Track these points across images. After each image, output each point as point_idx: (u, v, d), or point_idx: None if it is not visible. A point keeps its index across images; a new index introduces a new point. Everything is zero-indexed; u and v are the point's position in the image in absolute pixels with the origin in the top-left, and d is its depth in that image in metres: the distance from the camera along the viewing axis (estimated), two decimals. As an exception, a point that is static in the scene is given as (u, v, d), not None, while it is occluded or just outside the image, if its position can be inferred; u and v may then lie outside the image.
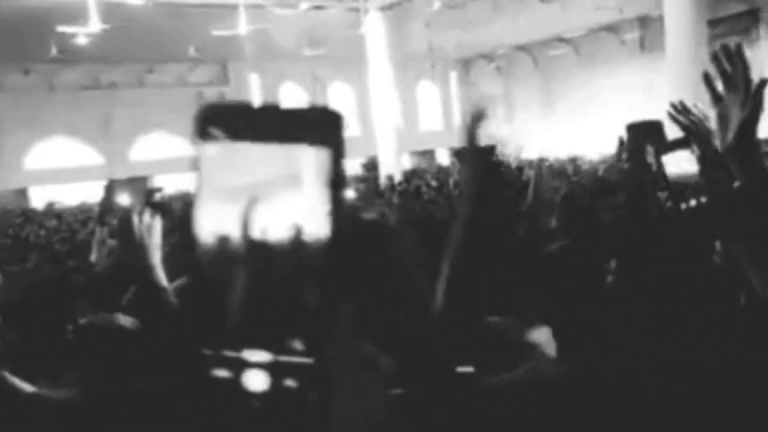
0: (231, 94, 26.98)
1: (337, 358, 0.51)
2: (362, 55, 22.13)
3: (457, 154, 16.74)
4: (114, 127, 24.60)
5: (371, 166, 23.47)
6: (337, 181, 0.53)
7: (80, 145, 24.39)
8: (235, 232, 0.51)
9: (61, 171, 23.67)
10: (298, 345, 0.49)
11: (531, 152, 24.10)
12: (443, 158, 29.72)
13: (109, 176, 23.98)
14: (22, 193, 23.04)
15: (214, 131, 0.55)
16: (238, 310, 0.50)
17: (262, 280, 0.50)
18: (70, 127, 23.78)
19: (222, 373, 0.49)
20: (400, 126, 26.62)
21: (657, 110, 2.96)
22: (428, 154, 31.00)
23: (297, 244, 0.50)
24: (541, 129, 28.70)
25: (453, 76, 33.52)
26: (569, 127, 27.58)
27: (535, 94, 30.97)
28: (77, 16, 17.13)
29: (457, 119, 33.84)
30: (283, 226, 0.50)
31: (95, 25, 17.99)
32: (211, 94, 26.65)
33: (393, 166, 21.18)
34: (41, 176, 23.28)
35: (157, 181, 24.50)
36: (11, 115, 22.81)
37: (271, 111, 0.54)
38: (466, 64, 33.34)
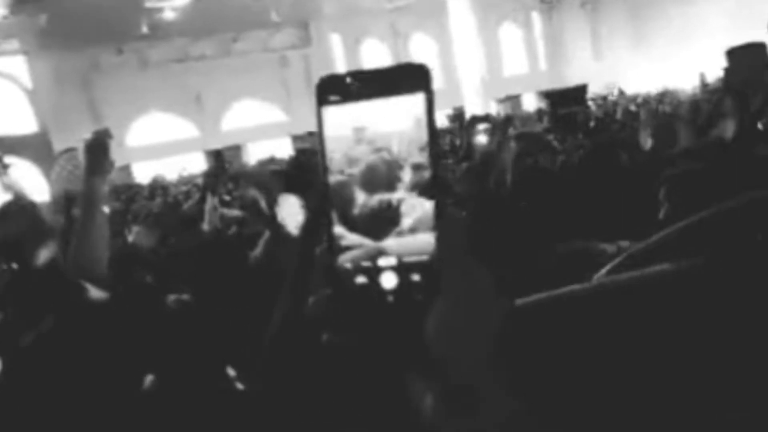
0: (313, 55, 27.18)
1: (448, 258, 0.62)
2: (442, 3, 21.85)
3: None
4: (205, 98, 25.25)
5: (458, 116, 23.24)
6: (432, 118, 0.65)
7: (175, 119, 25.17)
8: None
9: (159, 146, 24.52)
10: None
11: (624, 89, 23.41)
12: (530, 103, 29.11)
13: (204, 147, 24.80)
14: (126, 170, 24.04)
15: (332, 97, 0.67)
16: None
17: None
18: (165, 102, 24.53)
19: (361, 279, 0.63)
20: (483, 73, 26.27)
21: (761, 36, 2.88)
22: (514, 100, 30.47)
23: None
24: (633, 65, 27.61)
25: (536, 16, 32.60)
26: (664, 61, 26.39)
27: (624, 30, 29.72)
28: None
29: (543, 61, 33.03)
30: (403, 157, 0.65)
31: (181, -1, 18.47)
32: (295, 57, 26.94)
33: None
34: (142, 152, 24.19)
35: (250, 148, 25.14)
36: (109, 94, 23.76)
37: (373, 72, 0.67)
38: (548, 3, 32.35)
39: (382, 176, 0.65)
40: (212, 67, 25.11)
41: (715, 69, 12.34)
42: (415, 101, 0.64)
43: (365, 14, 26.34)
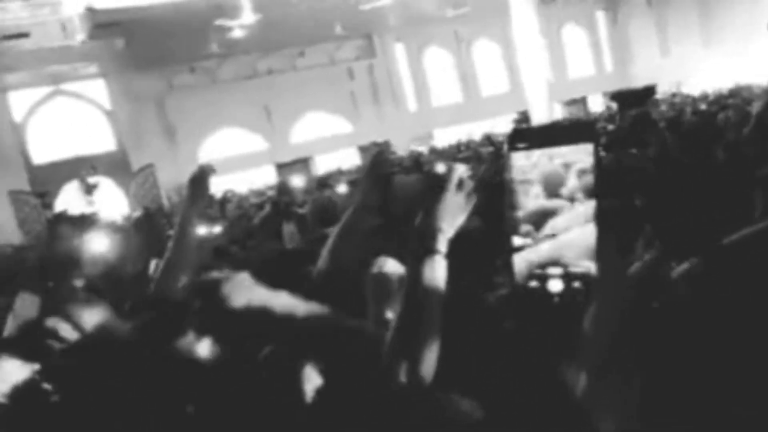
0: (378, 65, 27.50)
1: (605, 272, 0.78)
2: (504, 7, 21.84)
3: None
4: (274, 112, 25.81)
5: (523, 119, 23.12)
6: (599, 159, 0.85)
7: (245, 134, 25.80)
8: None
9: (231, 160, 25.12)
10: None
11: (691, 88, 22.89)
12: (596, 105, 28.72)
13: (273, 160, 25.33)
14: (200, 183, 24.73)
15: (520, 144, 0.84)
16: None
17: None
18: (235, 117, 25.16)
19: (534, 283, 0.82)
20: (548, 76, 26.04)
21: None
22: (579, 102, 30.13)
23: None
24: (701, 62, 26.99)
25: (600, 16, 32.18)
26: (733, 57, 25.63)
27: (692, 26, 29.05)
28: (232, 9, 18.12)
29: (608, 62, 32.55)
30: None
31: (249, 16, 19.01)
32: (360, 69, 27.31)
33: (545, 118, 20.84)
34: (215, 166, 24.83)
35: (318, 160, 25.54)
36: (183, 112, 24.56)
37: (555, 126, 0.91)
38: (613, 2, 31.89)
39: (556, 182, 0.85)
40: (280, 82, 25.68)
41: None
42: (586, 149, 0.83)
43: (428, 23, 26.53)
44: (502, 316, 1.30)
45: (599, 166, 0.81)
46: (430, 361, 1.24)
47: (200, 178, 2.46)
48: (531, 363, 1.12)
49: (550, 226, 0.83)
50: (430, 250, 1.32)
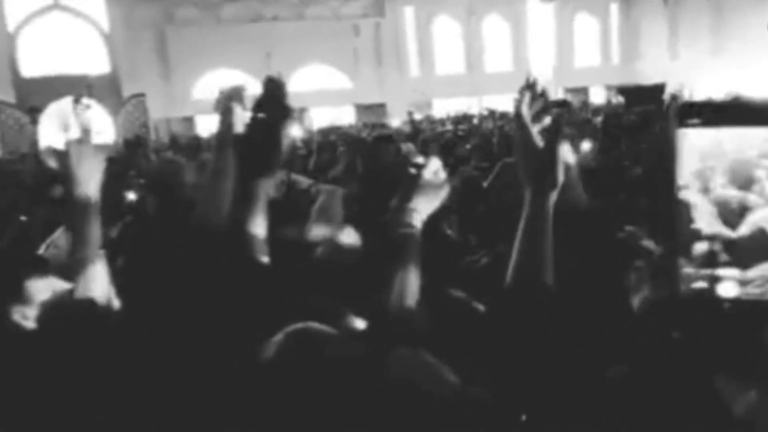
0: (386, 26, 27.07)
1: None
2: (521, -14, 21.55)
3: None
4: (274, 59, 25.40)
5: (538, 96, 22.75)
6: None
7: (242, 77, 25.40)
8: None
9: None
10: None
11: (696, 95, 22.79)
12: (597, 96, 28.52)
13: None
14: (189, 121, 24.38)
15: (692, 120, 0.74)
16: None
17: None
18: (234, 59, 24.74)
19: (699, 285, 0.70)
20: (554, 62, 25.82)
21: None
22: (581, 92, 29.95)
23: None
24: (708, 69, 26.85)
25: (614, 8, 31.86)
26: (740, 68, 25.53)
27: (703, 32, 28.87)
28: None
29: (616, 55, 32.33)
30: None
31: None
32: (366, 26, 26.88)
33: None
34: (207, 106, 24.44)
35: (314, 112, 25.25)
36: (181, 46, 24.08)
37: (740, 102, 0.75)
38: (630, -5, 31.58)
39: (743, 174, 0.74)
40: (283, 29, 25.22)
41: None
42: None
43: (441, -10, 26.15)
44: (659, 324, 1.22)
45: None
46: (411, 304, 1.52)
47: (235, 95, 2.29)
48: (690, 377, 1.00)
49: (750, 222, 0.71)
50: (409, 225, 1.58)
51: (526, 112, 1.52)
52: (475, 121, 15.42)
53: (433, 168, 1.63)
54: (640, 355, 1.28)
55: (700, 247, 0.72)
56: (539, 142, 1.51)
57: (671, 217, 0.74)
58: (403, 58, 27.53)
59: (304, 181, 4.49)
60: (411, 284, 1.55)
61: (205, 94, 24.55)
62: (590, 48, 31.58)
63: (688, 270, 0.72)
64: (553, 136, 1.48)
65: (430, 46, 28.14)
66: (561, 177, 1.47)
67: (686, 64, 28.24)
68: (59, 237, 2.69)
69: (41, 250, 2.68)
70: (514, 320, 1.38)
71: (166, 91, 24.26)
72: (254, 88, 2.33)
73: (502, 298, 1.47)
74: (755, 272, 0.69)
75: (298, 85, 26.17)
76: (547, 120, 1.55)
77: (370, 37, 26.95)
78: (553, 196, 1.47)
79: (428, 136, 9.85)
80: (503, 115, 14.70)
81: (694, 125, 0.73)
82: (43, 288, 1.80)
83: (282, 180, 5.28)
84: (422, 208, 1.60)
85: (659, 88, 15.17)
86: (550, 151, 1.47)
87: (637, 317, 1.45)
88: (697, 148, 0.74)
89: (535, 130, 1.53)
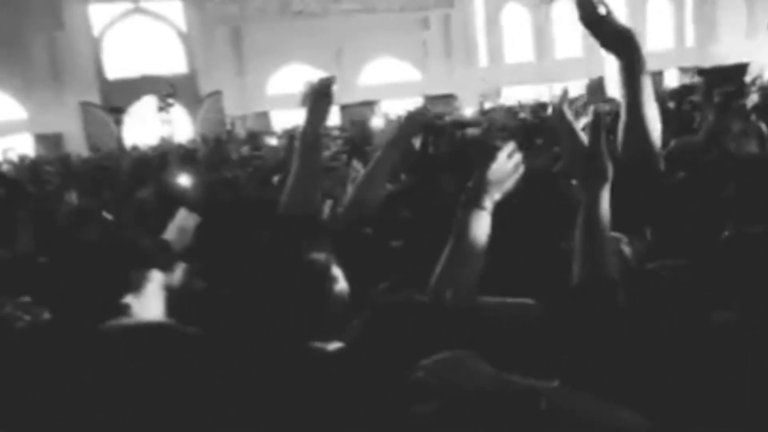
0: (456, 16, 27.06)
1: None
2: (593, -29, 21.18)
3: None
4: (345, 53, 25.69)
5: (597, 87, 22.53)
6: None
7: (314, 71, 25.75)
8: None
9: (296, 96, 25.19)
10: None
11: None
12: (671, 79, 27.77)
13: (340, 101, 25.27)
14: (265, 116, 24.92)
15: None
16: None
17: None
18: (306, 54, 25.11)
19: None
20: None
21: None
22: (657, 76, 29.15)
23: None
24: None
25: (688, -10, 30.97)
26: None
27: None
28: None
29: (690, 37, 31.45)
30: None
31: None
32: (436, 18, 26.93)
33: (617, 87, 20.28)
34: (281, 101, 24.95)
35: (384, 105, 25.41)
36: (255, 43, 24.64)
37: None
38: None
39: None
40: (353, 22, 25.47)
41: None
42: None
43: (510, -22, 25.97)
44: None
45: None
46: (469, 288, 1.53)
47: (323, 88, 2.42)
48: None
49: None
50: (479, 206, 1.61)
51: (567, 109, 1.64)
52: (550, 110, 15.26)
53: (508, 151, 1.67)
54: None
55: None
56: (584, 137, 1.58)
57: None
58: (472, 48, 27.46)
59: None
60: (473, 266, 1.59)
61: (278, 89, 25.07)
62: (664, 31, 30.80)
63: None
64: (596, 130, 1.53)
65: (499, 35, 27.96)
66: (610, 170, 1.50)
67: (765, 44, 27.24)
68: (186, 218, 2.71)
69: (168, 234, 2.66)
70: (580, 318, 1.32)
71: (241, 87, 24.85)
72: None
73: (568, 296, 1.45)
74: None
75: (368, 78, 26.44)
76: (590, 113, 1.65)
77: (439, 28, 26.99)
78: (606, 189, 1.50)
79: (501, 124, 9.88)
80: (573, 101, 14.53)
81: None
82: (151, 278, 1.86)
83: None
84: (495, 191, 1.64)
85: (741, 68, 14.57)
86: (595, 145, 1.52)
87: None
88: None
89: (579, 125, 1.64)
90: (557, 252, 1.80)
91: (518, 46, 28.32)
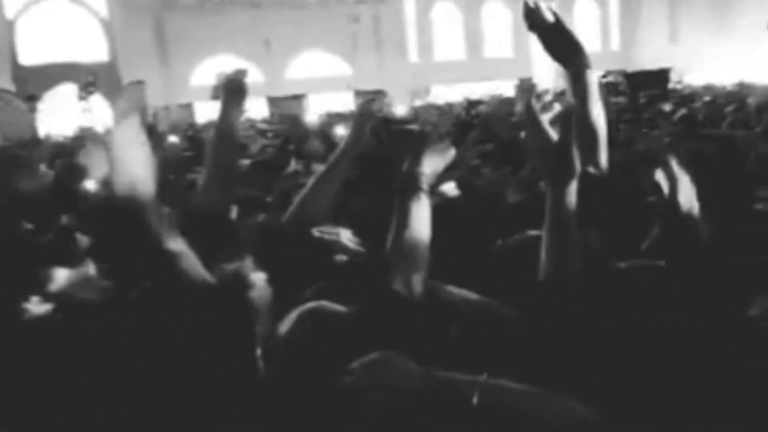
0: (385, 11, 26.95)
1: None
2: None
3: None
4: (273, 45, 25.28)
5: (528, 86, 22.83)
6: None
7: (242, 64, 25.23)
8: None
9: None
10: None
11: (696, 78, 22.69)
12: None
13: (267, 94, 24.87)
14: (189, 108, 24.30)
15: None
16: None
17: None
18: (232, 46, 24.61)
19: None
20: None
21: None
22: (582, 78, 29.67)
23: None
24: (711, 53, 26.71)
25: (614, -6, 31.75)
26: (744, 52, 25.31)
27: (705, 14, 28.70)
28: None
29: (616, 41, 32.22)
30: None
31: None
32: (366, 13, 26.74)
33: (550, 88, 20.64)
34: (206, 92, 24.30)
35: (312, 99, 25.14)
36: (179, 33, 23.97)
37: None
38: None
39: None
40: (282, 15, 25.07)
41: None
42: None
43: (441, -25, 26.00)
44: None
45: None
46: (418, 275, 1.52)
47: (236, 80, 2.27)
48: None
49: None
50: (417, 188, 1.62)
51: (535, 105, 1.62)
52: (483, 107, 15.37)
53: (438, 135, 1.73)
54: None
55: None
56: (551, 134, 1.57)
57: None
58: (402, 44, 27.40)
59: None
60: (420, 248, 1.58)
61: (203, 80, 24.45)
62: (591, 34, 31.43)
63: None
64: (566, 123, 1.52)
65: (430, 31, 28.00)
66: (578, 167, 1.49)
67: (687, 48, 28.11)
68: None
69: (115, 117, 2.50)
70: (547, 314, 1.37)
71: (164, 78, 24.16)
72: (250, 74, 2.35)
73: (535, 292, 1.46)
74: None
75: (297, 71, 26.09)
76: (557, 109, 1.70)
77: (369, 23, 26.82)
78: (573, 186, 1.49)
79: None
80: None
81: None
82: (54, 276, 1.74)
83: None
84: (429, 171, 1.66)
85: (664, 73, 15.03)
86: (565, 139, 1.51)
87: None
88: None
89: (545, 119, 1.64)
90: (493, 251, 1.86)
91: (449, 44, 28.39)
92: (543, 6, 1.87)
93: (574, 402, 1.06)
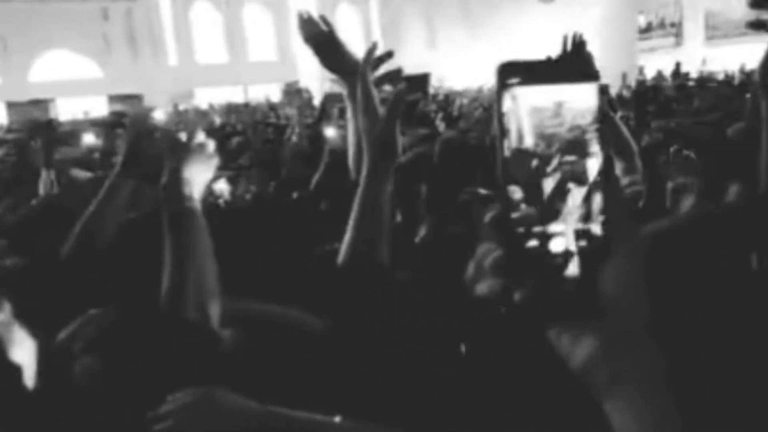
0: (138, 9, 25.29)
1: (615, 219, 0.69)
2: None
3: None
4: (11, 44, 22.70)
5: (294, 90, 23.01)
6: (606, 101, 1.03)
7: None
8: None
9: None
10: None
11: (453, 82, 23.85)
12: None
13: (7, 99, 22.32)
14: None
15: (512, 80, 0.70)
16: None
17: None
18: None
19: (532, 243, 0.69)
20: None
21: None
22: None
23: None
24: (467, 59, 28.10)
25: (374, 0, 32.50)
26: (493, 55, 26.87)
27: (458, 21, 30.21)
28: None
29: (381, 47, 33.03)
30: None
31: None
32: (117, 10, 24.89)
33: (317, 90, 20.87)
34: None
35: (60, 104, 23.04)
36: None
37: (550, 62, 0.72)
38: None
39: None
40: (21, 10, 22.53)
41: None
42: (589, 89, 0.70)
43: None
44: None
45: (603, 109, 0.70)
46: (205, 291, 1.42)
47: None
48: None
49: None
50: (185, 199, 1.49)
51: (369, 75, 1.62)
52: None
53: (200, 138, 1.60)
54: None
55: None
56: (380, 109, 1.53)
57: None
58: (159, 45, 25.89)
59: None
60: (206, 270, 1.44)
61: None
62: (355, 40, 31.90)
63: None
64: (395, 106, 1.48)
65: (188, 32, 26.76)
66: (400, 150, 1.49)
67: (445, 53, 29.47)
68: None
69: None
70: (346, 300, 1.37)
71: None
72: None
73: (338, 276, 1.45)
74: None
75: (40, 73, 23.66)
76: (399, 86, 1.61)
77: (122, 21, 24.99)
78: (392, 171, 1.48)
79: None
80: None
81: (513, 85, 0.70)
82: None
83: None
84: (197, 180, 1.54)
85: (424, 78, 15.46)
86: (391, 121, 1.48)
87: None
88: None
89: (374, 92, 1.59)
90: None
91: (210, 47, 27.37)
92: (316, 17, 1.92)
93: None
